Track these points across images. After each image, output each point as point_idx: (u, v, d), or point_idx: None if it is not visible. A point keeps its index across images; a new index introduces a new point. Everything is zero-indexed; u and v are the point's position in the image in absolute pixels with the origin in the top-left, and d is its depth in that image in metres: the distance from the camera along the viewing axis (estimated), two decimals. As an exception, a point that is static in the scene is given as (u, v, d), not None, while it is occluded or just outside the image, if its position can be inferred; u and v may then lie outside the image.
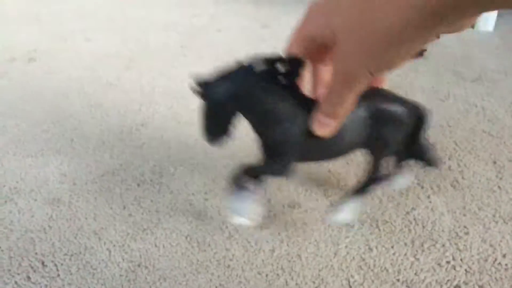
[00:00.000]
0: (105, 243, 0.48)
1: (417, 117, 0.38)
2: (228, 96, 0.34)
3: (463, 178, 0.56)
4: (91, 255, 0.46)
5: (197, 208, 0.52)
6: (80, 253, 0.47)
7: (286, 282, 0.43)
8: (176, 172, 0.58)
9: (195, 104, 0.75)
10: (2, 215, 0.52)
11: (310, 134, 0.35)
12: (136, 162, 0.61)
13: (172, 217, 0.51)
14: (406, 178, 0.47)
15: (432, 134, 0.62)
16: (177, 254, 0.47)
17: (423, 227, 0.48)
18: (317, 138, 0.35)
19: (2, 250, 0.47)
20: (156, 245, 0.47)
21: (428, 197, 0.53)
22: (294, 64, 0.34)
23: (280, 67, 0.34)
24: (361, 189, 0.45)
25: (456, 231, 0.48)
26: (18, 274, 0.44)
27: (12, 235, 0.49)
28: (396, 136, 0.39)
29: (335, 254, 0.45)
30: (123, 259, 0.46)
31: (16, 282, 0.43)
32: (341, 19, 0.28)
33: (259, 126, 0.37)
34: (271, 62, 0.34)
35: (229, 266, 0.45)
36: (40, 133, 0.67)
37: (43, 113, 0.73)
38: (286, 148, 0.37)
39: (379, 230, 0.48)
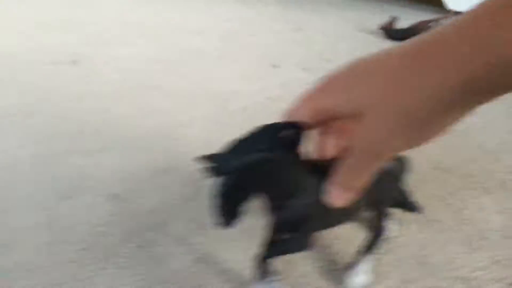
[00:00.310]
0: (167, 236, 0.50)
1: (404, 168, 0.40)
2: (243, 168, 0.31)
3: (511, 180, 0.57)
4: (156, 247, 0.49)
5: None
6: (145, 245, 0.49)
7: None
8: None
9: (234, 106, 0.78)
10: (65, 211, 0.54)
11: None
12: (186, 161, 0.63)
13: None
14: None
15: (478, 136, 0.63)
16: (237, 248, 0.49)
17: (474, 226, 0.50)
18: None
19: (73, 243, 0.49)
20: (214, 240, 0.49)
21: (477, 197, 0.54)
22: (297, 131, 0.33)
23: (285, 135, 0.32)
24: (370, 246, 0.45)
25: (507, 230, 0.49)
26: (91, 264, 0.47)
27: (79, 228, 0.51)
28: (393, 190, 0.40)
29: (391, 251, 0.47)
30: (185, 252, 0.48)
31: (90, 271, 0.46)
32: (367, 96, 0.27)
33: (276, 201, 0.34)
34: (277, 130, 0.33)
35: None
36: (94, 132, 0.70)
37: (93, 114, 0.76)
38: (305, 221, 0.35)
39: (432, 229, 0.49)
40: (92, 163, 0.62)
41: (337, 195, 0.31)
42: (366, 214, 0.44)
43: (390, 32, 1.17)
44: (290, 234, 0.36)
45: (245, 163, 0.31)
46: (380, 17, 1.27)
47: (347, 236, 0.50)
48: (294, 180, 0.33)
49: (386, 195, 0.40)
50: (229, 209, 0.32)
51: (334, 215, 0.35)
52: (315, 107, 0.31)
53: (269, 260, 0.39)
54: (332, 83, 0.30)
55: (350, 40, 1.12)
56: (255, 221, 0.42)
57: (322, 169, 0.32)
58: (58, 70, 0.92)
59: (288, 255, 0.41)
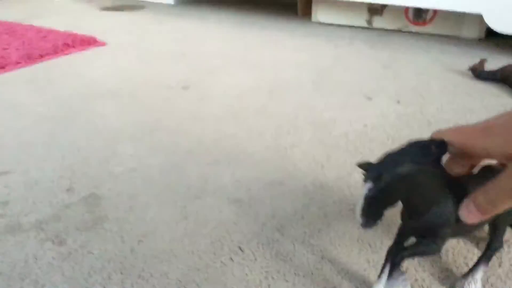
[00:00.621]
0: (288, 238, 0.55)
1: None
2: (397, 178, 0.35)
3: None
4: (279, 246, 0.54)
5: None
6: (269, 243, 0.54)
7: None
8: (335, 185, 0.65)
9: (336, 131, 0.83)
10: (195, 209, 0.61)
11: None
12: (298, 176, 0.68)
13: (340, 222, 0.58)
14: None
15: None
16: (353, 253, 0.53)
17: None
18: None
19: (204, 236, 0.55)
20: (332, 244, 0.54)
21: None
22: (442, 147, 0.38)
23: (434, 150, 0.38)
24: (487, 258, 0.47)
25: None
26: (222, 255, 0.52)
27: (208, 225, 0.58)
28: None
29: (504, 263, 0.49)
30: (307, 252, 0.52)
31: (222, 262, 0.51)
32: None
33: (416, 207, 0.39)
34: (426, 146, 0.37)
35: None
36: (211, 147, 0.78)
37: (207, 131, 0.84)
38: (442, 227, 0.39)
39: None
40: (212, 172, 0.69)
41: (470, 212, 0.35)
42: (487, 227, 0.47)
43: (480, 73, 1.18)
44: (426, 238, 0.40)
45: (400, 171, 0.35)
46: (466, 59, 1.28)
47: (462, 246, 0.53)
48: (439, 190, 0.38)
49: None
50: (374, 211, 0.37)
51: (466, 225, 0.39)
52: (465, 142, 0.36)
53: (400, 261, 0.42)
54: (493, 128, 0.34)
55: (439, 79, 1.15)
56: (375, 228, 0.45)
57: (462, 182, 0.39)
58: (171, 94, 1.02)
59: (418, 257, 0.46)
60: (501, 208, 0.33)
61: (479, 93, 1.04)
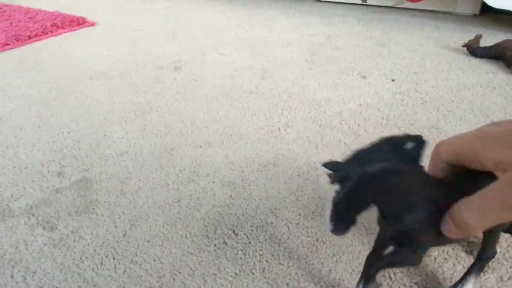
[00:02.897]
0: (282, 220, 0.54)
1: None
2: (366, 179, 0.31)
3: None
4: (273, 228, 0.53)
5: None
6: (263, 226, 0.53)
7: None
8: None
9: (330, 111, 0.82)
10: (188, 192, 0.60)
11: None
12: (292, 157, 0.67)
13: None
14: None
15: None
16: (348, 234, 0.52)
17: None
18: None
19: (198, 220, 0.55)
20: (326, 225, 0.53)
21: None
22: (419, 143, 0.34)
23: (410, 147, 0.34)
24: (478, 267, 0.44)
25: None
26: (216, 239, 0.52)
27: (202, 208, 0.57)
28: None
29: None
30: (301, 234, 0.52)
31: (215, 245, 0.51)
32: None
33: (391, 212, 0.33)
34: (400, 143, 0.34)
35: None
36: (204, 128, 0.76)
37: (199, 112, 0.83)
38: (420, 235, 0.33)
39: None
40: (205, 154, 0.68)
41: (452, 230, 0.30)
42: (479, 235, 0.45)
43: (475, 50, 1.16)
44: (404, 246, 0.35)
45: (369, 172, 0.31)
46: (461, 35, 1.27)
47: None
48: (416, 192, 0.32)
49: None
50: (345, 216, 0.33)
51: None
52: (461, 151, 0.31)
53: (375, 273, 0.39)
54: (488, 138, 0.29)
55: (434, 56, 1.13)
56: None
57: (445, 184, 0.32)
58: (163, 74, 1.01)
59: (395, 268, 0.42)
60: (484, 226, 0.29)
61: (474, 70, 1.03)
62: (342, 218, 0.33)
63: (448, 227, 0.30)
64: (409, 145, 0.34)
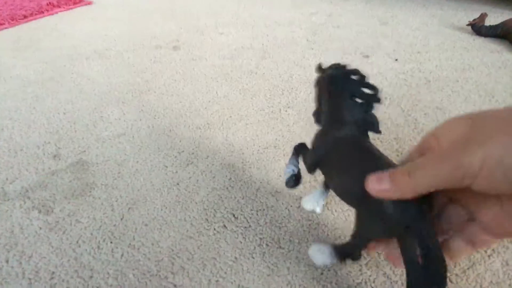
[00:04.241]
0: (283, 203, 0.53)
1: None
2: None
3: None
4: (273, 212, 0.52)
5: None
6: (263, 209, 0.52)
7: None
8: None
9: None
10: (187, 174, 0.59)
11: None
12: (293, 138, 0.66)
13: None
14: None
15: None
16: (350, 217, 0.51)
17: None
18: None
19: (197, 203, 0.54)
20: (329, 209, 0.52)
21: None
22: (375, 90, 0.39)
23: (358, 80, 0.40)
24: None
25: None
26: (215, 223, 0.51)
27: (201, 191, 0.56)
28: None
29: None
30: (302, 218, 0.51)
31: (215, 229, 0.50)
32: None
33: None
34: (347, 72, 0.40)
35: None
36: (203, 109, 0.75)
37: (199, 93, 0.81)
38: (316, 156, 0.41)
39: None
40: (204, 136, 0.67)
41: (381, 184, 0.29)
42: None
43: (480, 28, 1.14)
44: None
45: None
46: (465, 14, 1.24)
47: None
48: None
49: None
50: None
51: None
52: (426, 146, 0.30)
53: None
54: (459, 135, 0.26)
55: (438, 35, 1.11)
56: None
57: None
58: (161, 54, 0.98)
59: None
60: (424, 182, 0.27)
61: (479, 49, 1.00)
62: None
63: (375, 179, 0.29)
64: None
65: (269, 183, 0.56)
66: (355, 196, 0.33)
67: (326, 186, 0.49)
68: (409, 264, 0.31)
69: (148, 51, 1.01)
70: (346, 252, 0.40)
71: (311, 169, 0.42)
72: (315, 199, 0.51)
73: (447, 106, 0.74)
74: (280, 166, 0.59)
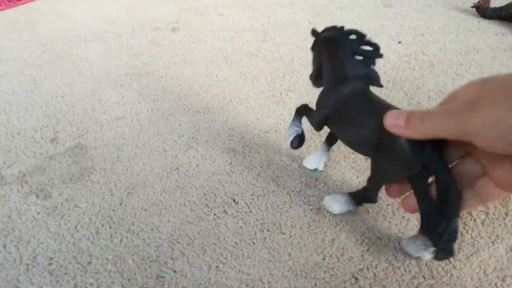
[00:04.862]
0: (284, 188, 0.52)
1: None
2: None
3: None
4: (274, 197, 0.51)
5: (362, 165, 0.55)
6: (264, 195, 0.51)
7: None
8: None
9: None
10: (187, 159, 0.58)
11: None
12: (294, 122, 0.65)
13: (338, 170, 0.55)
14: None
15: None
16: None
17: None
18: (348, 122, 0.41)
19: (197, 188, 0.53)
20: (329, 194, 0.51)
21: None
22: (375, 46, 0.42)
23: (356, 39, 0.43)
24: None
25: None
26: (215, 208, 0.50)
27: (201, 176, 0.55)
28: None
29: None
30: (303, 203, 0.50)
31: (215, 214, 0.49)
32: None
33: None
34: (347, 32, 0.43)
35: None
36: (203, 93, 0.74)
37: (198, 76, 0.80)
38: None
39: None
40: (204, 120, 0.66)
41: (398, 120, 0.32)
42: None
43: (484, 11, 1.11)
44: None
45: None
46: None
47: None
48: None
49: None
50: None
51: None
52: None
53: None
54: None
55: (442, 17, 1.09)
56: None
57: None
58: (160, 36, 0.97)
59: None
60: (432, 129, 0.30)
61: (484, 31, 0.99)
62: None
63: (394, 116, 0.33)
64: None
65: (270, 167, 0.56)
66: (372, 143, 0.38)
67: (328, 144, 0.52)
68: (424, 202, 0.36)
69: (147, 33, 0.99)
70: (363, 196, 0.44)
71: (319, 127, 0.47)
72: (317, 157, 0.53)
73: (451, 89, 0.72)
74: (281, 150, 0.59)
